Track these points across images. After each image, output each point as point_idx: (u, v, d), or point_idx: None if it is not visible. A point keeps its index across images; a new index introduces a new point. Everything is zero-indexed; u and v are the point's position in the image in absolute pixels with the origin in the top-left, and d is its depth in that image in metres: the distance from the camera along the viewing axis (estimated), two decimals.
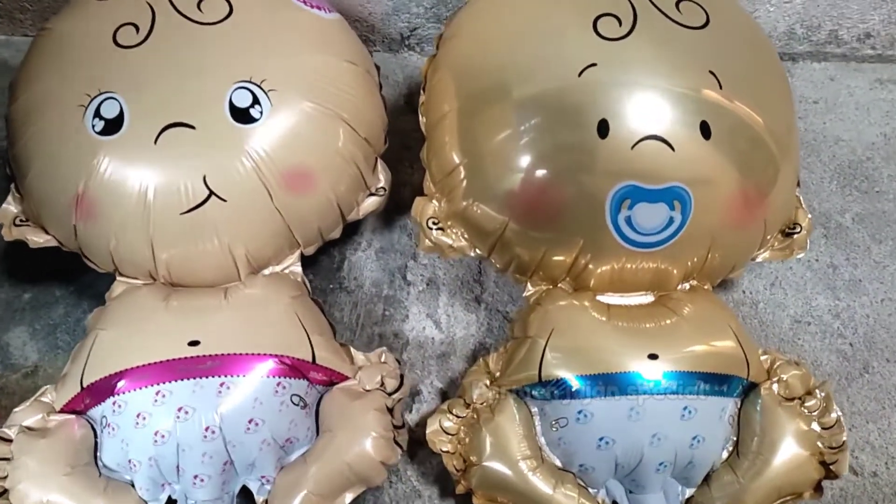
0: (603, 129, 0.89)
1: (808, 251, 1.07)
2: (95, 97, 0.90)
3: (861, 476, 1.03)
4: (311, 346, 0.92)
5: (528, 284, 1.01)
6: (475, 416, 0.92)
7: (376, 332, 1.12)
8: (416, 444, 0.99)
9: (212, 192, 0.91)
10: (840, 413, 0.94)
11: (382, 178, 1.05)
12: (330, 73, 0.98)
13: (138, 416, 0.86)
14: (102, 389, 0.87)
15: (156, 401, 0.86)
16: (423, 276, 1.17)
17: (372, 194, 1.05)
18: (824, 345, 1.15)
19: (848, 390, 1.11)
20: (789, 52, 1.49)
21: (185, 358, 0.88)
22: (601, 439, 0.89)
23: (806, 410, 0.94)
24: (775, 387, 0.95)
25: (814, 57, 1.50)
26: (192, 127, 0.90)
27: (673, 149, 0.89)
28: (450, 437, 0.92)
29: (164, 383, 0.86)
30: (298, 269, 1.02)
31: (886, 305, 1.19)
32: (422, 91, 1.04)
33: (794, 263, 1.22)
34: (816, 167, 1.34)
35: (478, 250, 1.01)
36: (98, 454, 0.87)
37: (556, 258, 0.96)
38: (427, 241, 0.99)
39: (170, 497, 0.88)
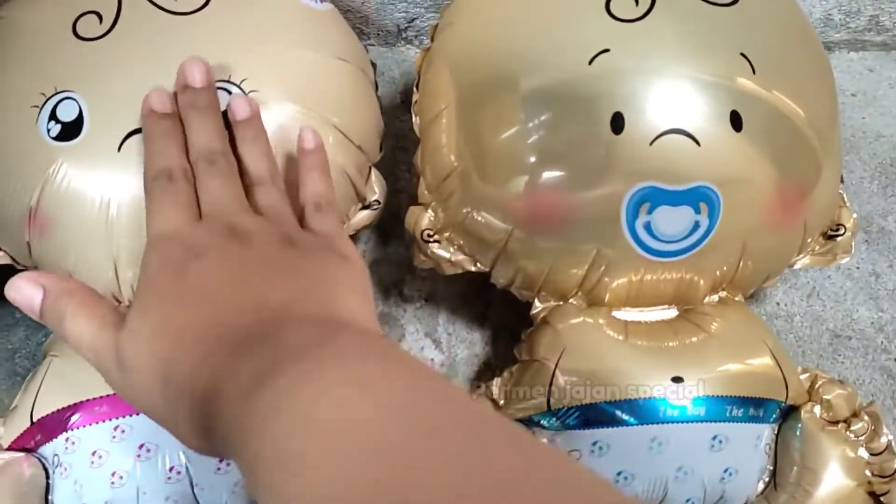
0: (618, 123, 0.79)
1: (850, 258, 0.98)
2: (51, 97, 0.80)
3: None
4: None
5: (536, 300, 0.92)
6: None
7: None
8: None
9: None
10: (891, 437, 0.85)
11: (377, 190, 0.95)
12: (318, 71, 0.88)
13: (94, 454, 0.77)
14: (54, 424, 0.79)
15: (114, 437, 0.77)
16: (422, 290, 1.09)
17: (365, 207, 0.95)
18: (867, 361, 1.07)
19: (894, 411, 1.03)
20: (825, 41, 1.39)
21: None
22: (619, 474, 0.81)
23: (852, 435, 0.85)
24: (817, 409, 0.86)
25: (851, 46, 1.40)
26: None
27: (699, 143, 0.79)
28: None
29: (123, 417, 0.78)
30: None
31: None
32: (415, 88, 0.94)
33: (832, 272, 1.14)
34: (856, 166, 1.25)
35: (479, 264, 0.92)
36: (49, 497, 0.79)
37: (566, 271, 0.87)
38: (422, 254, 0.91)
39: None
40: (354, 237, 0.98)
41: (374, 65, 1.01)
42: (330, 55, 0.91)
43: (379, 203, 0.96)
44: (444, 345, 1.05)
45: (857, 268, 1.15)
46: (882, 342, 1.09)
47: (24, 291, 0.67)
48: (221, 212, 0.66)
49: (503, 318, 1.07)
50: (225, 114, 0.76)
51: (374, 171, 0.96)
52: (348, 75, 0.92)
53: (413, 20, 1.29)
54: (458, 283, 1.09)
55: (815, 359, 1.07)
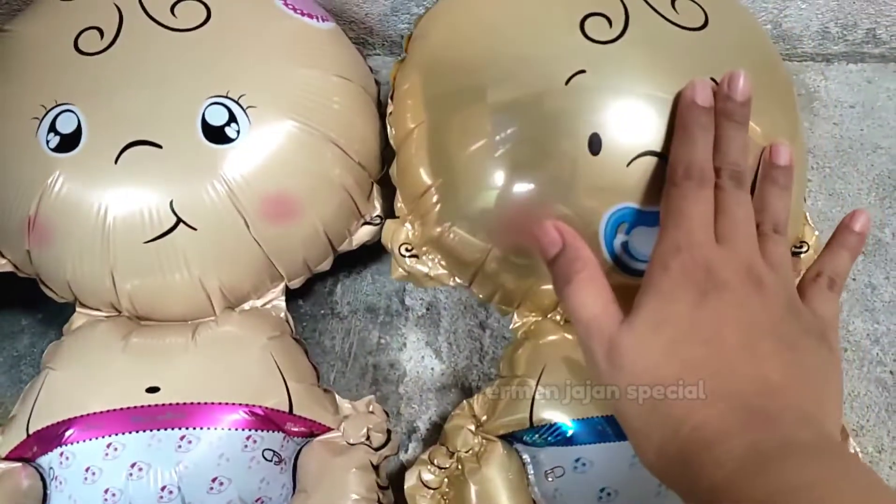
0: (595, 144, 0.78)
1: None
2: (51, 109, 0.81)
3: None
4: (289, 393, 0.82)
5: (515, 316, 0.91)
6: (459, 467, 0.83)
7: (370, 362, 1.03)
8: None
9: (180, 219, 0.81)
10: (859, 449, 0.86)
11: (379, 206, 0.95)
12: (318, 89, 0.88)
13: (87, 470, 0.77)
14: (49, 438, 0.78)
15: (107, 454, 0.77)
16: (423, 299, 1.08)
17: (367, 223, 0.95)
18: (862, 373, 1.05)
19: (888, 423, 1.01)
20: (823, 53, 1.38)
21: (142, 406, 0.78)
22: (602, 490, 0.81)
23: None
24: None
25: (849, 58, 1.39)
26: (159, 146, 0.80)
27: None
28: (431, 491, 0.83)
29: (116, 435, 0.77)
30: (282, 303, 0.92)
31: None
32: (390, 100, 0.93)
33: None
34: (853, 177, 1.24)
35: (458, 279, 0.90)
36: None
37: (545, 287, 0.85)
38: (400, 269, 0.89)
39: None
40: (359, 250, 0.98)
41: (378, 83, 1.01)
42: (331, 73, 0.91)
43: (381, 219, 0.95)
44: (445, 354, 1.04)
45: (854, 279, 1.14)
46: (878, 354, 1.07)
47: (548, 235, 0.72)
48: (742, 248, 0.66)
49: (504, 327, 1.05)
50: None
51: (375, 187, 0.95)
52: (349, 93, 0.92)
53: (421, 18, 1.29)
54: (460, 293, 1.08)
55: None
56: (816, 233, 0.96)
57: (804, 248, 0.94)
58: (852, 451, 0.85)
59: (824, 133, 1.29)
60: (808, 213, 0.98)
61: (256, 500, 0.80)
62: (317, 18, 0.95)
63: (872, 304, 1.11)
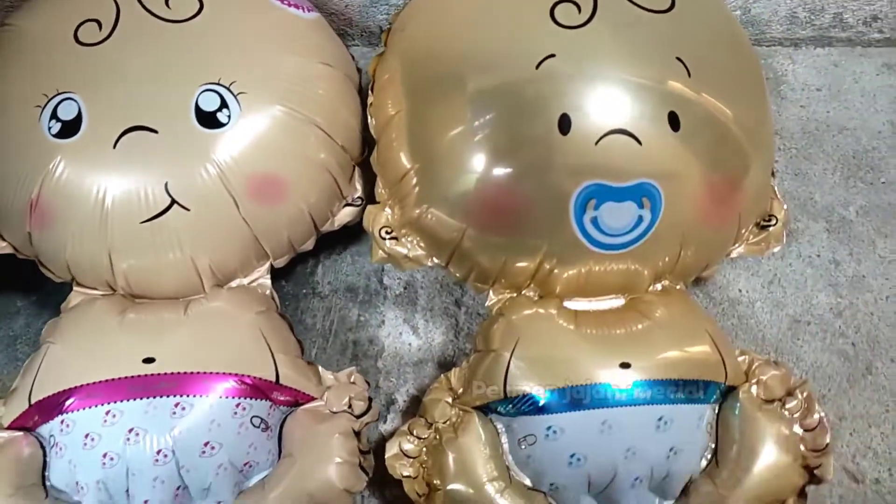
0: (564, 124, 0.84)
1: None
2: (53, 97, 0.86)
3: (862, 483, 1.00)
4: (275, 364, 0.87)
5: (491, 293, 0.96)
6: (437, 437, 0.88)
7: (350, 338, 1.08)
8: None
9: (174, 201, 0.86)
10: (823, 414, 0.89)
11: (360, 188, 1.00)
12: (304, 76, 0.93)
13: (87, 436, 0.81)
14: (51, 407, 0.83)
15: (105, 421, 0.81)
16: (401, 279, 1.13)
17: (349, 204, 1.00)
18: (825, 345, 1.10)
19: (849, 393, 1.06)
20: (791, 38, 1.43)
21: (138, 376, 0.83)
22: (572, 456, 0.85)
23: (787, 413, 0.90)
24: (754, 389, 0.91)
25: (817, 42, 1.44)
26: (155, 131, 0.86)
27: (640, 143, 0.84)
28: (411, 460, 0.88)
29: (114, 402, 0.82)
30: (267, 281, 0.97)
31: (892, 302, 1.14)
32: (370, 91, 0.98)
33: (793, 260, 1.17)
34: (819, 158, 1.29)
35: (435, 259, 0.96)
36: (46, 474, 0.83)
37: (518, 265, 0.91)
38: (380, 251, 0.95)
39: None
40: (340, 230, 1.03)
41: (359, 70, 1.06)
42: (315, 60, 0.96)
43: (362, 200, 1.00)
44: (422, 330, 1.09)
45: (818, 256, 1.18)
46: (840, 327, 1.12)
47: None
48: None
49: (479, 304, 1.10)
50: None
51: (357, 170, 1.01)
52: (332, 79, 0.97)
53: (398, 12, 1.32)
54: (436, 272, 1.13)
55: (775, 343, 1.10)
56: (785, 207, 1.02)
57: (772, 222, 1.00)
58: (817, 416, 0.89)
59: (791, 115, 1.34)
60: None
61: (245, 464, 0.85)
62: (302, 9, 1.00)
63: (836, 279, 1.16)
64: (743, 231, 0.98)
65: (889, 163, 1.28)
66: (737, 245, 1.00)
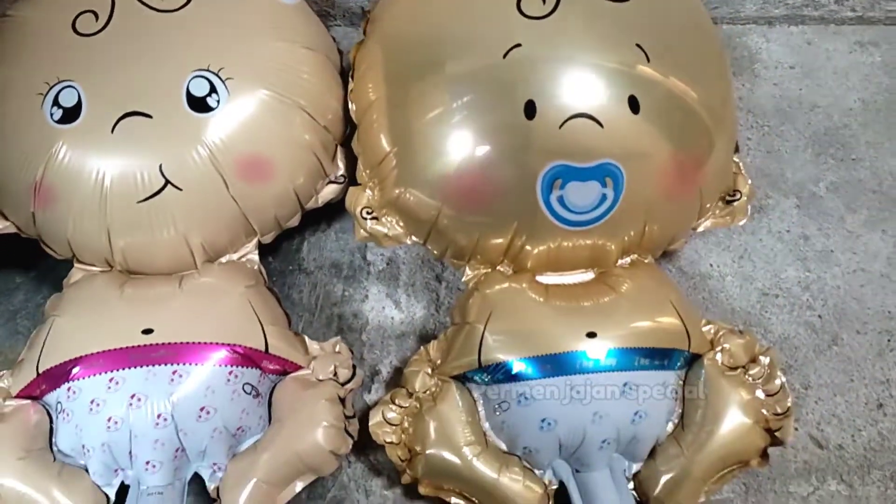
0: (530, 109, 0.89)
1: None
2: (54, 85, 0.91)
3: (826, 449, 1.03)
4: (265, 335, 0.93)
5: (467, 269, 1.01)
6: (418, 406, 0.93)
7: (335, 312, 1.12)
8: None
9: (168, 181, 0.91)
10: (784, 379, 0.94)
11: (342, 166, 1.05)
12: (288, 60, 0.98)
13: (92, 402, 0.86)
14: (57, 375, 0.88)
15: (109, 388, 0.87)
16: (384, 255, 1.17)
17: (332, 182, 1.05)
18: (792, 317, 1.14)
19: (816, 363, 1.10)
20: (765, 17, 1.46)
21: (139, 346, 0.88)
22: (543, 420, 0.90)
23: (750, 378, 0.94)
24: (718, 356, 0.95)
25: (791, 20, 1.47)
26: (150, 116, 0.90)
27: (602, 125, 0.89)
28: (393, 427, 0.93)
29: (117, 370, 0.87)
30: (255, 257, 1.02)
31: (858, 276, 1.18)
32: (350, 78, 1.03)
33: (763, 235, 1.21)
34: (791, 135, 1.32)
35: (414, 237, 1.01)
36: (53, 439, 0.88)
37: (491, 242, 0.97)
38: (362, 230, 0.99)
39: (123, 482, 0.89)
40: (324, 209, 1.07)
41: (340, 52, 1.10)
42: (298, 45, 1.01)
43: (345, 178, 1.05)
44: (404, 304, 1.13)
45: (788, 231, 1.21)
46: (808, 300, 1.15)
47: None
48: None
49: (458, 279, 1.13)
50: None
51: (339, 149, 1.05)
52: (315, 63, 1.02)
53: (377, 2, 1.35)
54: (418, 248, 1.17)
55: (744, 315, 1.14)
56: (749, 181, 1.06)
57: (737, 196, 1.05)
58: (778, 381, 0.93)
59: (764, 93, 1.37)
60: (745, 169, 1.07)
61: (238, 429, 0.90)
62: None
63: (805, 253, 1.20)
64: (707, 205, 1.03)
65: (859, 140, 1.32)
66: (703, 219, 1.05)
